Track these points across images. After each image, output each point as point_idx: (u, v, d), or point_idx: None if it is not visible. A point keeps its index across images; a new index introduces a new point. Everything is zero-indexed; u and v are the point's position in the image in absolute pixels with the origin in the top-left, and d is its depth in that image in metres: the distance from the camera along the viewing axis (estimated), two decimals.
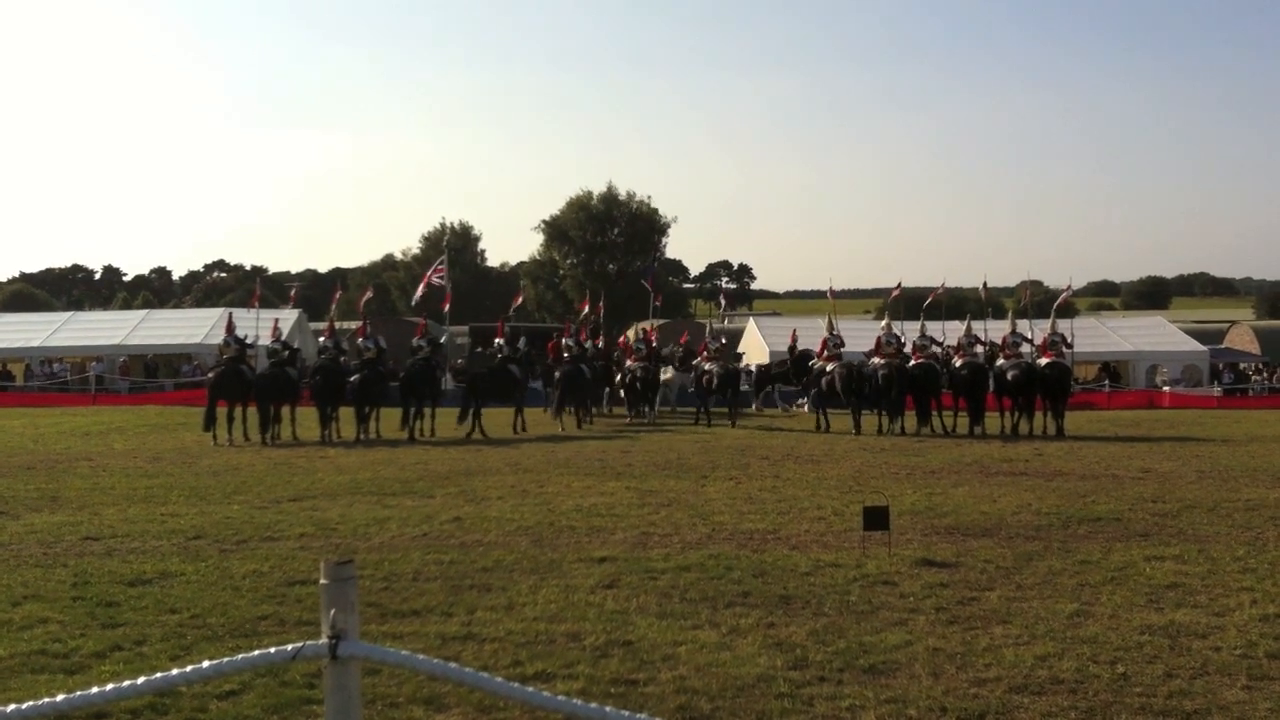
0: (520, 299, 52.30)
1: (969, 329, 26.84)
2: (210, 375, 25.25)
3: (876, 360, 25.84)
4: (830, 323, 28.39)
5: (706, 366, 28.67)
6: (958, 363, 25.20)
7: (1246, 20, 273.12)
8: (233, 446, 21.75)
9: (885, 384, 24.82)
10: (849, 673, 6.66)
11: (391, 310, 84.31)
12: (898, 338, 26.51)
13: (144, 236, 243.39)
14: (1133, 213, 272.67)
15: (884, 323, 28.61)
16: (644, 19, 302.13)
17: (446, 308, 42.00)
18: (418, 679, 6.27)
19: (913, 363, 25.26)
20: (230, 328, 25.31)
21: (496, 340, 27.72)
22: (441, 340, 27.45)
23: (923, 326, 27.50)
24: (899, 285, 38.29)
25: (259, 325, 28.22)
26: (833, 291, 37.00)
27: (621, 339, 35.67)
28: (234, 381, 23.57)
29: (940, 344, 26.81)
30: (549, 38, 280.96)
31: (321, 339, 26.49)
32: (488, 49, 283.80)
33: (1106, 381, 43.05)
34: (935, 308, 32.54)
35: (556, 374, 28.56)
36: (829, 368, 25.73)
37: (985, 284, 35.61)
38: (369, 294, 37.44)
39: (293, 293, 42.60)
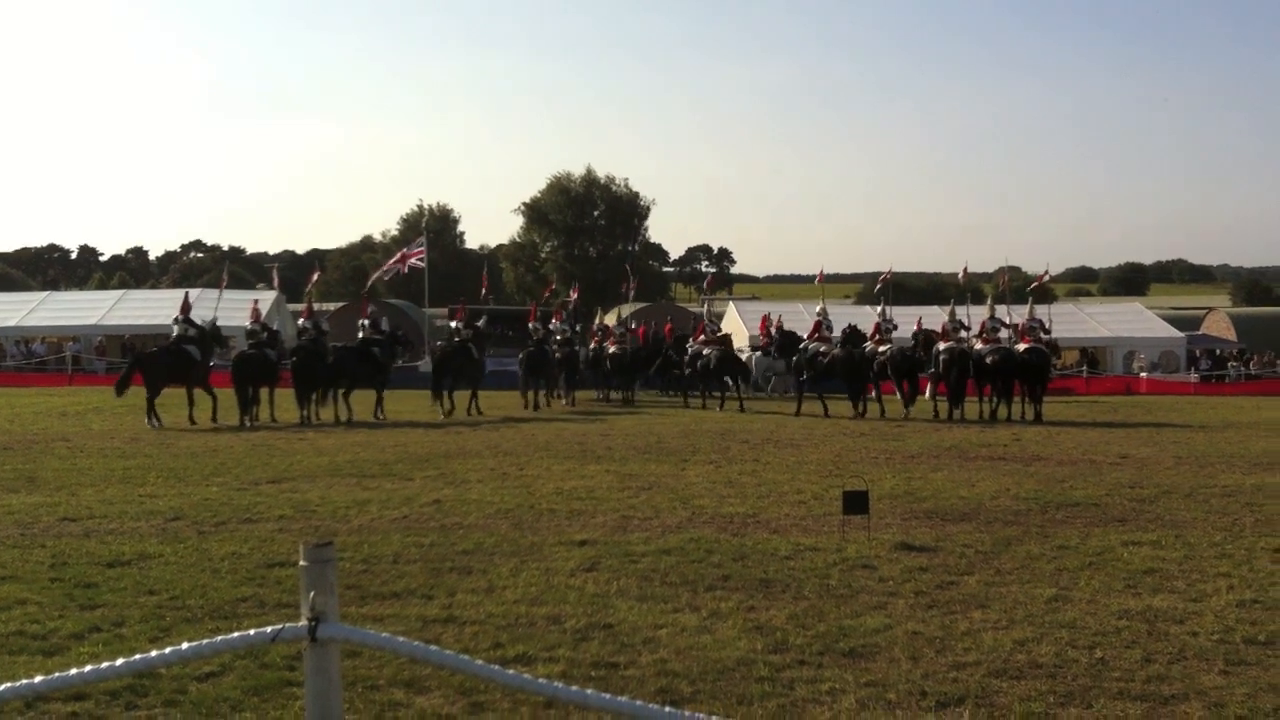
0: (554, 285, 52.90)
1: (953, 314, 27.08)
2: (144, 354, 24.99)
3: (812, 344, 27.23)
4: (706, 311, 30.35)
5: (612, 349, 32.07)
6: (941, 347, 25.30)
7: (1229, 9, 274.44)
8: (162, 428, 21.45)
9: (828, 368, 26.06)
10: (829, 656, 6.68)
11: (372, 292, 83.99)
12: (831, 322, 28.16)
13: (121, 216, 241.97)
14: (1111, 200, 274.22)
15: (819, 308, 30.04)
16: (627, 4, 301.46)
17: (485, 291, 42.55)
18: (398, 661, 6.26)
19: (870, 346, 26.05)
20: (185, 308, 25.02)
21: (530, 324, 30.69)
22: (481, 323, 28.00)
23: (883, 311, 28.08)
24: (821, 272, 40.14)
25: (219, 307, 27.92)
26: (710, 282, 39.08)
27: (593, 328, 36.18)
28: (165, 362, 23.35)
29: (896, 327, 27.08)
30: (530, 21, 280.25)
31: (300, 320, 26.39)
32: (468, 32, 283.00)
33: (1085, 367, 43.31)
34: (885, 292, 32.93)
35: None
36: (880, 349, 25.75)
37: (965, 269, 35.84)
38: (376, 274, 38.31)
39: (274, 275, 42.54)
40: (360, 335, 26.08)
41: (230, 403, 22.98)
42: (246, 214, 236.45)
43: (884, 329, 26.40)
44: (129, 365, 23.47)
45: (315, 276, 35.12)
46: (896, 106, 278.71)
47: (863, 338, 26.42)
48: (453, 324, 27.80)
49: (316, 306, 28.88)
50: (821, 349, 26.66)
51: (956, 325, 26.19)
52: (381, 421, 23.35)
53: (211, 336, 24.58)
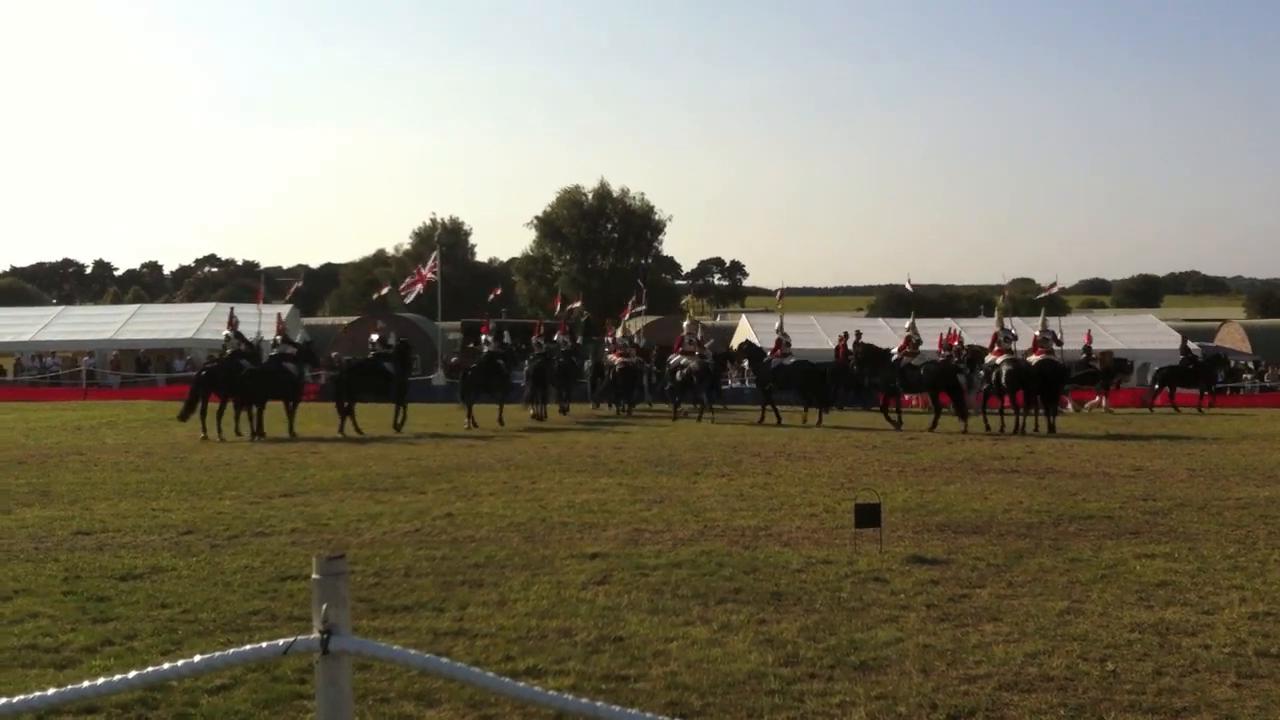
0: (579, 303, 52.96)
1: (1001, 323, 27.10)
2: (203, 370, 24.99)
3: (678, 358, 29.33)
4: (626, 329, 33.05)
5: (786, 361, 31.29)
6: (997, 361, 24.97)
7: (1240, 19, 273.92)
8: (223, 441, 21.65)
9: (686, 379, 28.18)
10: (840, 669, 6.68)
11: (383, 306, 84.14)
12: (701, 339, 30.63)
13: (135, 231, 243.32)
14: (1125, 211, 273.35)
15: (685, 322, 32.72)
16: (636, 15, 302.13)
17: (578, 304, 43.75)
18: (409, 674, 6.27)
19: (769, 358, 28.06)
20: (234, 323, 25.22)
21: (557, 337, 33.24)
22: (556, 338, 32.66)
23: (780, 326, 30.39)
24: (691, 296, 42.49)
25: (261, 322, 28.24)
26: (630, 307, 42.04)
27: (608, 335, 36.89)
28: (230, 376, 23.39)
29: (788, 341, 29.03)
30: (541, 33, 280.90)
31: (301, 334, 26.58)
32: (479, 44, 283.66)
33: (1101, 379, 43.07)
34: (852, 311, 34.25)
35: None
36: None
37: (960, 279, 36.31)
38: (498, 291, 40.22)
39: (292, 289, 42.85)
40: (485, 350, 28.32)
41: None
42: (260, 228, 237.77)
43: (784, 343, 28.50)
44: (203, 389, 23.25)
45: (296, 286, 36.18)
46: (907, 116, 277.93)
47: (763, 353, 28.66)
48: (532, 339, 31.05)
49: (331, 320, 29.35)
50: (683, 361, 28.78)
51: (1008, 336, 25.97)
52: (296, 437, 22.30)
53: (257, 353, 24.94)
